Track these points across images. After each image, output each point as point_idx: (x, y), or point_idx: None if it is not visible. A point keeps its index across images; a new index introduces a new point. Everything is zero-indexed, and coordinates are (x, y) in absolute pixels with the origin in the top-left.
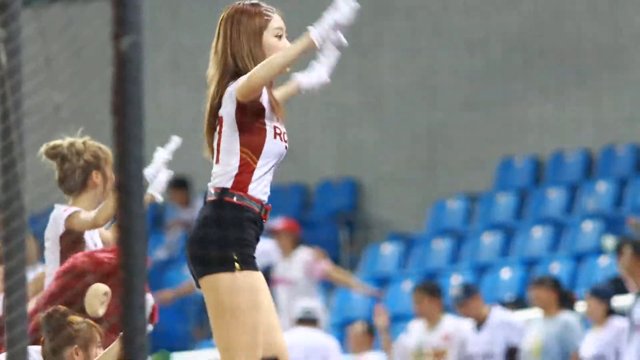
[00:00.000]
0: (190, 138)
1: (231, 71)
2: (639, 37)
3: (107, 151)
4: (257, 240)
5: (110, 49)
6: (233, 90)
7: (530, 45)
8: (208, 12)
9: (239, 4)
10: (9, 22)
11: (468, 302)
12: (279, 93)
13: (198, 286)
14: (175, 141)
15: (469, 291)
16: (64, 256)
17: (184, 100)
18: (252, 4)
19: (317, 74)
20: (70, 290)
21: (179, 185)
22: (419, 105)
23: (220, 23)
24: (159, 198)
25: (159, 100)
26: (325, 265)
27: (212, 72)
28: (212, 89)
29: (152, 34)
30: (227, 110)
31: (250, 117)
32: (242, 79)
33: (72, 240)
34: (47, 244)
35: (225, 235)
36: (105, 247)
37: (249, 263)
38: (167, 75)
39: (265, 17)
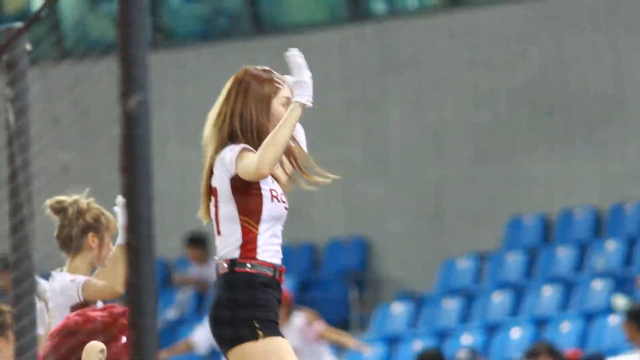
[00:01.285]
0: (199, 195)
1: (228, 134)
2: None
3: (110, 218)
4: (279, 303)
5: (117, 107)
6: (229, 162)
7: (537, 99)
8: (213, 68)
9: (251, 67)
10: (16, 81)
11: None
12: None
13: None
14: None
15: (472, 357)
16: None
17: (192, 156)
18: (264, 70)
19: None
20: (63, 349)
21: (196, 242)
22: (425, 160)
23: (229, 84)
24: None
25: (166, 157)
26: (318, 327)
27: (208, 132)
28: (209, 151)
29: (158, 91)
30: (221, 181)
31: (246, 184)
32: (244, 169)
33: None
34: (55, 313)
35: (242, 305)
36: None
37: (271, 329)
38: (173, 132)
39: (276, 85)
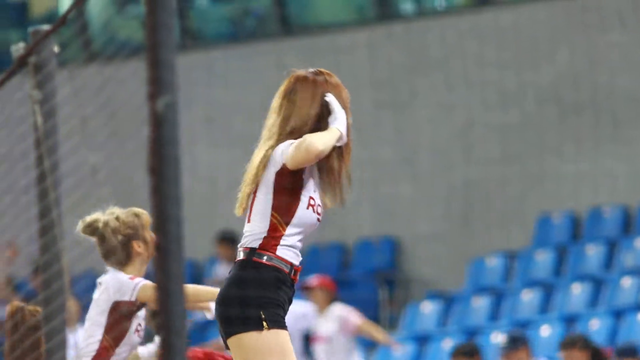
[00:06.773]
0: (229, 196)
1: (288, 135)
2: None
3: (142, 215)
4: (290, 301)
5: (146, 109)
6: (279, 155)
7: (565, 98)
8: (241, 69)
9: (319, 72)
10: (44, 83)
11: (512, 353)
12: None
13: (227, 347)
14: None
15: (515, 342)
16: (113, 323)
17: (220, 157)
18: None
19: None
20: None
21: (227, 240)
22: (454, 159)
23: (297, 85)
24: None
25: (195, 158)
26: (358, 320)
27: (270, 131)
28: (264, 148)
29: (186, 92)
30: (268, 173)
31: (289, 183)
32: (293, 148)
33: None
34: (95, 306)
35: (252, 294)
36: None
37: (277, 322)
38: (202, 132)
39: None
